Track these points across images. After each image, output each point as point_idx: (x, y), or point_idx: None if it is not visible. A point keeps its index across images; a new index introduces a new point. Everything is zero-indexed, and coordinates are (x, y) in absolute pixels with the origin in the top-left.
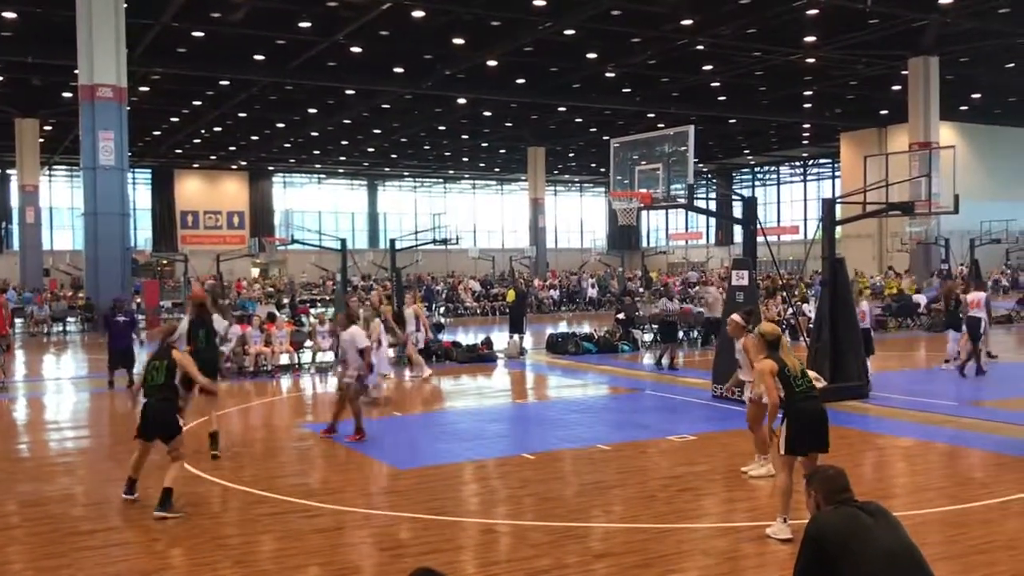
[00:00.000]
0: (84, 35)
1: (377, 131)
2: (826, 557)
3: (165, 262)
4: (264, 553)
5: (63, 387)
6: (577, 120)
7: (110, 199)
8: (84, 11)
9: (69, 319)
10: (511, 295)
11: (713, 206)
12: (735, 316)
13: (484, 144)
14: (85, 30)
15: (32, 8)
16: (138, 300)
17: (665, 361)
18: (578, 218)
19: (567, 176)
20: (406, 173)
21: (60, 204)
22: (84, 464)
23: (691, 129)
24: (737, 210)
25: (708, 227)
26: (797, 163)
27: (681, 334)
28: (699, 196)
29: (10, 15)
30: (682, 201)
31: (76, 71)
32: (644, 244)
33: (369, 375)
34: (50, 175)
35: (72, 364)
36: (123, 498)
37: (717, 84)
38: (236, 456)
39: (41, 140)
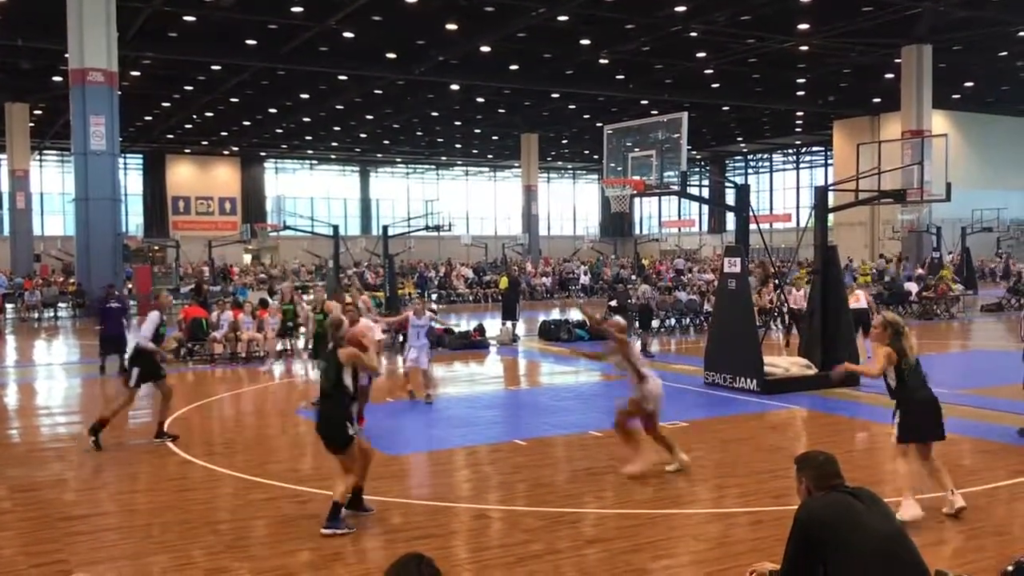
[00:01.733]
0: (74, 19)
1: (369, 117)
2: (816, 543)
3: (157, 248)
4: (256, 538)
5: (54, 372)
6: (570, 107)
7: (101, 184)
8: None
9: (60, 305)
10: (504, 282)
11: (706, 193)
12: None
13: (477, 131)
14: (75, 14)
15: None
16: (130, 286)
17: (654, 349)
18: (571, 205)
19: (560, 163)
20: (398, 159)
21: (51, 189)
22: (75, 449)
23: (684, 116)
24: (730, 197)
25: (701, 215)
26: (790, 151)
27: (657, 322)
28: (692, 183)
29: None
30: (675, 188)
31: (66, 55)
32: (637, 231)
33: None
34: (40, 160)
35: (63, 349)
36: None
37: (711, 71)
38: (228, 442)
39: (31, 125)
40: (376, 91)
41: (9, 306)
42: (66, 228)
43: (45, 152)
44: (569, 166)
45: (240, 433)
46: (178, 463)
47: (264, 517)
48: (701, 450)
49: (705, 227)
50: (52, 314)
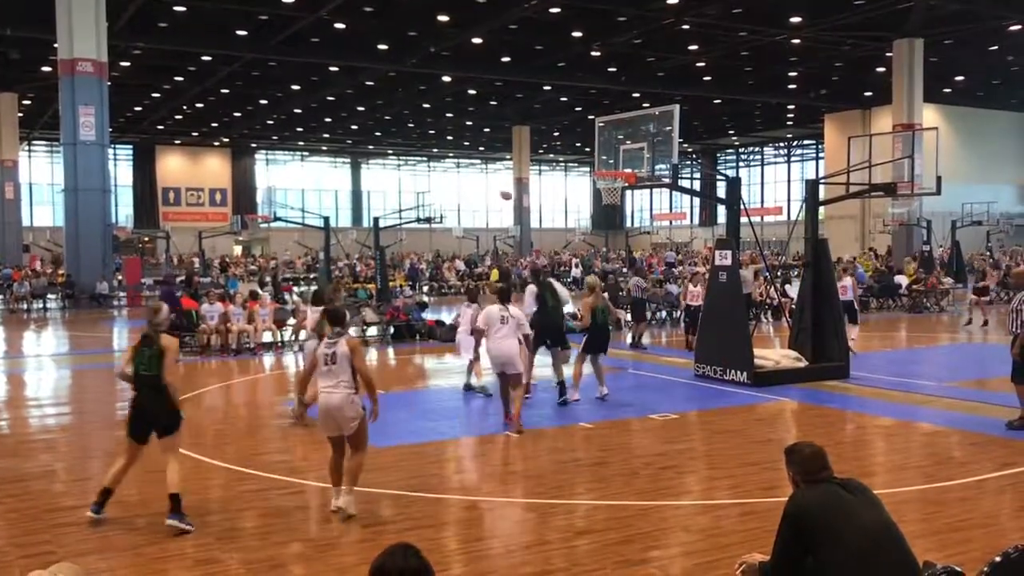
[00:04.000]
0: (63, 8)
1: (361, 108)
2: (806, 534)
3: (147, 239)
4: (247, 529)
5: (43, 364)
6: (562, 99)
7: (91, 175)
8: None
9: (49, 296)
10: (495, 274)
11: (697, 186)
12: None
13: (468, 123)
14: (64, 3)
15: None
16: (119, 277)
17: (645, 340)
18: (562, 198)
19: (552, 155)
20: (390, 151)
21: (40, 180)
22: (65, 441)
23: (676, 109)
24: (721, 190)
25: (692, 207)
26: (781, 144)
27: (649, 314)
28: (683, 176)
29: None
30: (667, 181)
31: (56, 45)
32: (628, 224)
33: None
34: (29, 150)
35: (53, 341)
36: (90, 516)
37: (703, 64)
38: (219, 433)
39: (20, 115)
40: (367, 83)
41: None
42: (55, 219)
43: (34, 142)
44: (561, 159)
45: (230, 425)
46: None
47: (254, 508)
48: (692, 442)
49: (697, 220)
50: (41, 305)
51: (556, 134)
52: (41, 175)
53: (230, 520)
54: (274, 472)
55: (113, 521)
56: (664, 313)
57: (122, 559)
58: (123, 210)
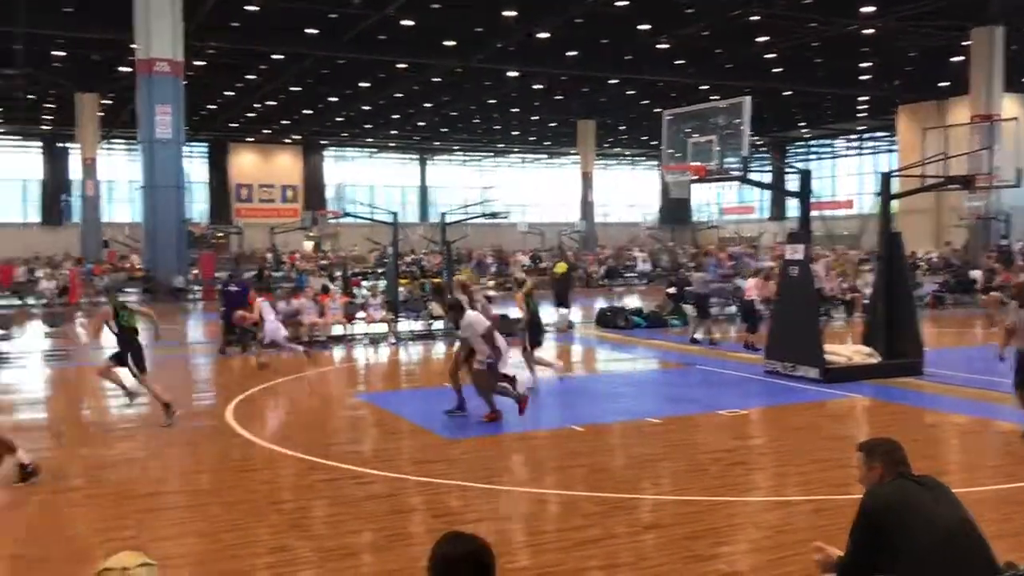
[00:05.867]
0: (141, 10)
1: (428, 105)
2: (881, 530)
3: (220, 234)
4: (319, 518)
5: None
6: (629, 92)
7: (167, 172)
8: None
9: (128, 289)
10: (562, 267)
11: (767, 179)
12: None
13: (534, 117)
14: (142, 5)
15: None
16: (195, 271)
17: (699, 336)
18: (629, 192)
19: (618, 149)
20: (456, 147)
21: (118, 177)
22: (143, 430)
23: (747, 101)
24: (792, 183)
25: (761, 201)
26: (853, 136)
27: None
28: (753, 169)
29: None
30: (736, 174)
31: (134, 46)
32: (695, 218)
33: (499, 359)
34: (108, 148)
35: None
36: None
37: (772, 55)
38: (291, 423)
39: (100, 114)
40: (434, 79)
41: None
42: (133, 215)
43: (113, 141)
44: (627, 152)
45: (302, 415)
46: (241, 444)
47: (327, 498)
48: (761, 438)
49: (766, 213)
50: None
51: (622, 128)
52: (119, 172)
53: (303, 509)
54: (345, 462)
55: (191, 507)
56: (732, 308)
57: (200, 545)
58: (198, 206)
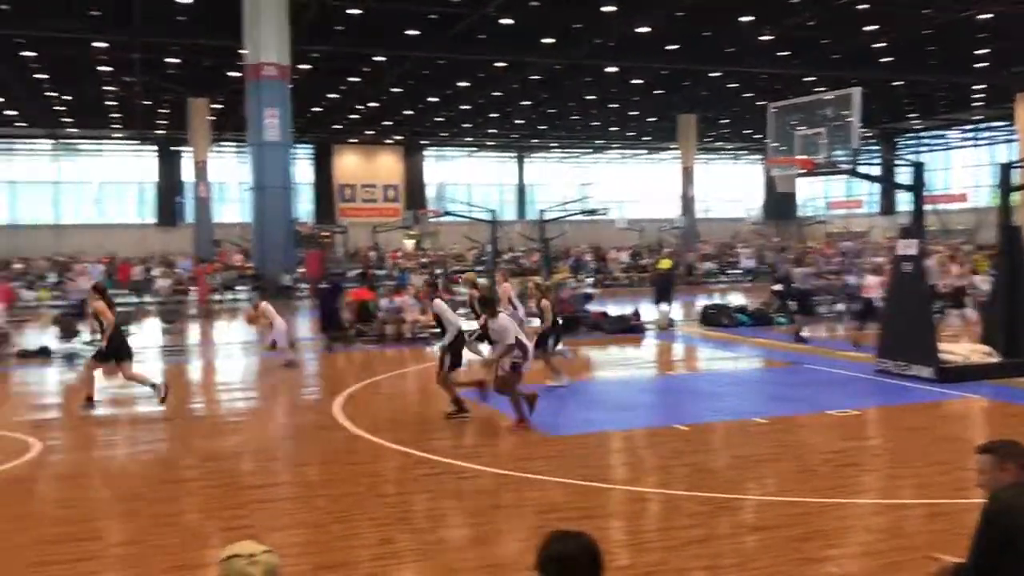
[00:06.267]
0: (250, 17)
1: (526, 103)
2: (1009, 536)
3: (326, 234)
4: (423, 512)
5: (233, 351)
6: (730, 86)
7: (275, 174)
8: None
9: (238, 287)
10: (666, 263)
11: (875, 172)
12: None
13: (633, 113)
14: (251, 12)
15: None
16: (302, 269)
17: (805, 333)
18: (731, 187)
19: (719, 143)
20: (554, 144)
21: (228, 179)
22: (252, 423)
23: (857, 92)
24: (904, 176)
25: (870, 195)
26: (967, 127)
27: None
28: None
29: (186, 0)
30: (845, 167)
31: (242, 51)
32: (801, 213)
33: (526, 362)
34: (219, 151)
35: (241, 330)
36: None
37: (881, 45)
38: (394, 418)
39: (211, 118)
40: (533, 77)
41: (192, 288)
42: (243, 215)
43: (223, 143)
44: (729, 147)
45: (406, 410)
46: (347, 437)
47: (430, 492)
48: (873, 439)
49: (875, 208)
50: (232, 296)
51: (724, 121)
52: (229, 174)
53: (408, 502)
54: (448, 457)
55: (300, 498)
56: (841, 306)
57: (309, 535)
58: (304, 206)
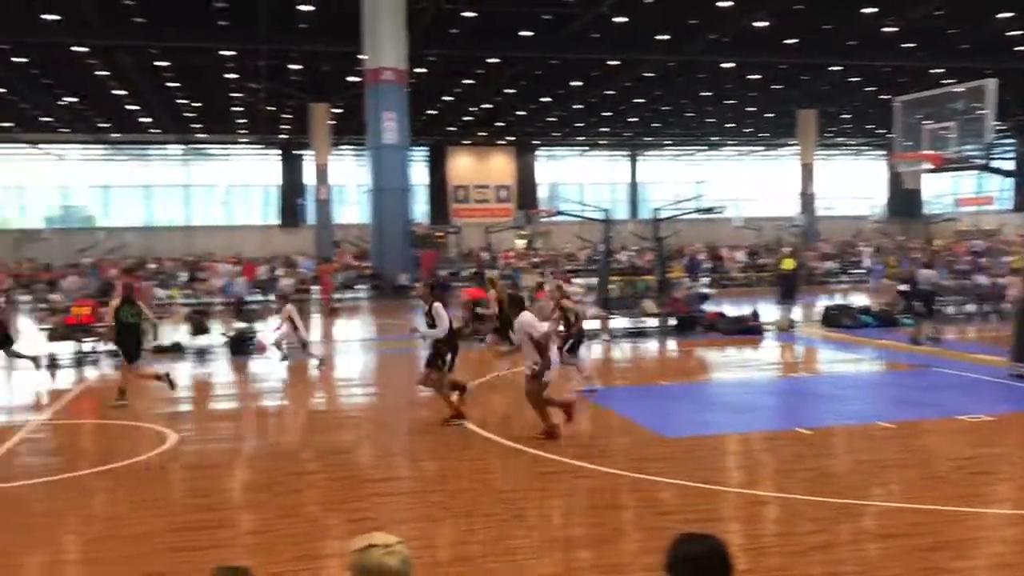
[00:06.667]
0: (369, 23)
1: (639, 100)
2: None
3: (440, 234)
4: (540, 510)
5: (352, 348)
6: (852, 79)
7: (393, 176)
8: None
9: (357, 286)
10: (789, 263)
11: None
12: None
13: (750, 109)
14: (370, 18)
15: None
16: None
17: (930, 335)
18: (852, 184)
19: (841, 139)
20: (668, 141)
21: (347, 181)
22: (370, 418)
23: (991, 84)
24: None
25: (1002, 191)
26: None
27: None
28: (994, 156)
29: (306, 8)
30: (978, 162)
31: (361, 56)
32: (927, 211)
33: (547, 370)
34: (339, 155)
35: (361, 327)
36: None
37: (1016, 33)
38: (512, 416)
39: (331, 122)
40: (646, 74)
41: (314, 287)
42: (360, 216)
43: (342, 147)
44: (851, 142)
45: (522, 408)
46: (465, 434)
47: (546, 490)
48: (1008, 446)
49: (1007, 204)
50: (351, 295)
51: (845, 116)
52: (348, 177)
53: (524, 500)
54: (565, 456)
55: (419, 493)
56: (973, 307)
57: (429, 529)
58: (419, 207)
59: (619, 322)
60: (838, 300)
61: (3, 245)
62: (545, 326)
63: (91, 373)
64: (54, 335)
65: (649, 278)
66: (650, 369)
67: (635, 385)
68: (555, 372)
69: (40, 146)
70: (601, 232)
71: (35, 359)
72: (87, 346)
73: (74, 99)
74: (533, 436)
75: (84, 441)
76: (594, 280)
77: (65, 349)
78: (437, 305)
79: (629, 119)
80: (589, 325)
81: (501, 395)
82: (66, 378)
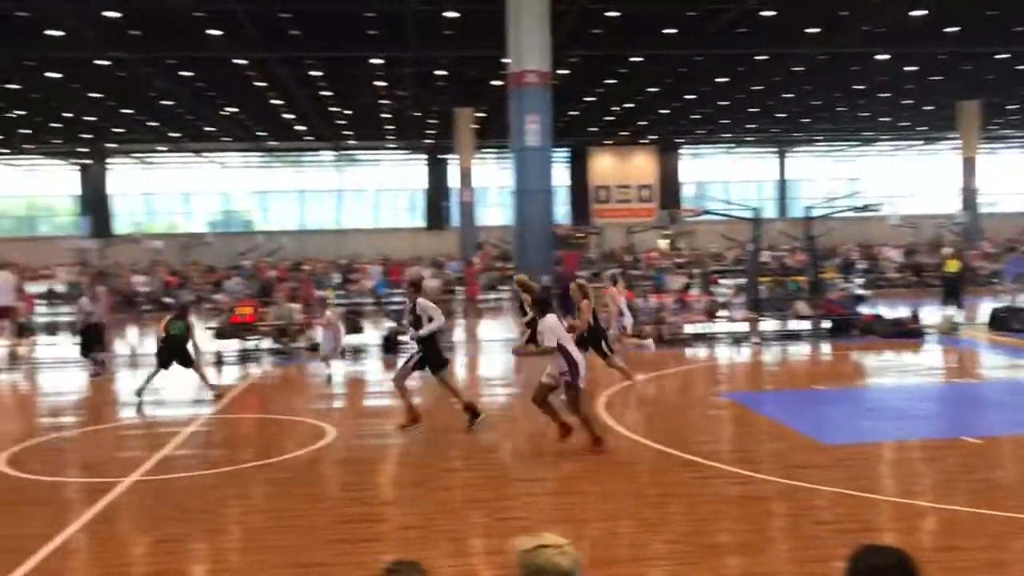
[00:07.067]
0: (513, 27)
1: (788, 95)
2: None
3: (581, 235)
4: (690, 516)
5: (494, 348)
6: (1020, 68)
7: (536, 178)
8: (514, 2)
9: (500, 287)
10: (953, 265)
11: None
12: None
13: (906, 102)
14: (514, 22)
15: (470, 6)
16: (559, 270)
17: None
18: (1020, 179)
19: (1007, 131)
20: (818, 137)
21: (488, 184)
22: (513, 417)
23: None
24: None
25: None
26: None
27: None
28: None
29: (452, 15)
30: None
31: (504, 60)
32: None
33: (577, 375)
34: (481, 158)
35: (503, 327)
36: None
37: None
38: (660, 419)
39: (474, 126)
40: (795, 69)
41: (459, 288)
42: (502, 218)
43: (485, 150)
44: (1018, 134)
45: (670, 412)
46: (613, 437)
47: (698, 495)
48: None
49: None
50: (494, 296)
51: (1012, 107)
52: (489, 179)
53: (676, 504)
54: (717, 461)
55: (566, 494)
56: None
57: (576, 531)
58: (560, 208)
59: (769, 324)
60: (1006, 302)
61: (171, 249)
62: (565, 332)
63: (254, 370)
64: (220, 334)
65: (800, 279)
66: (803, 373)
67: (788, 390)
68: (586, 375)
69: (204, 155)
70: (749, 231)
71: (101, 363)
72: (250, 344)
73: (235, 109)
74: (587, 451)
75: (248, 435)
76: (742, 281)
77: (230, 347)
78: (422, 300)
79: (777, 115)
80: (736, 327)
81: (650, 399)
82: (231, 375)
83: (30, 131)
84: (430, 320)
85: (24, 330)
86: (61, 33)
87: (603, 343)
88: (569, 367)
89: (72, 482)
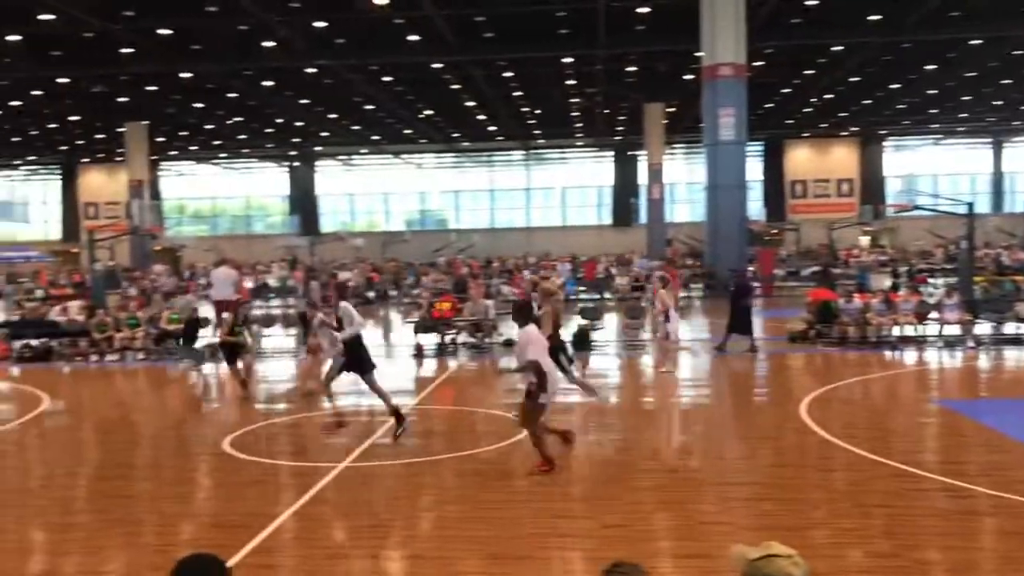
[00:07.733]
0: (707, 19)
1: (1006, 81)
2: None
3: (776, 231)
4: (908, 528)
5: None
6: None
7: (730, 172)
8: None
9: (691, 285)
10: None
11: None
12: None
13: None
14: (708, 14)
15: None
16: (753, 268)
17: None
18: None
19: None
20: None
21: (677, 180)
22: (717, 420)
23: None
24: None
25: None
26: None
27: None
28: None
29: (643, 10)
30: None
31: (697, 54)
32: None
33: (544, 393)
34: (670, 153)
35: (693, 327)
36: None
37: None
38: (867, 426)
39: (664, 122)
40: (1016, 51)
41: (648, 284)
42: (692, 214)
43: (673, 145)
44: None
45: (878, 418)
46: (819, 442)
47: (914, 507)
48: None
49: None
50: (684, 294)
51: None
52: (679, 175)
53: (890, 516)
54: (933, 472)
55: (774, 500)
56: None
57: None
58: (753, 204)
59: (986, 327)
60: None
61: (372, 245)
62: (542, 343)
63: (452, 363)
64: (419, 327)
65: (1018, 278)
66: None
67: (1009, 398)
68: (554, 395)
69: (402, 156)
70: (961, 228)
71: (200, 356)
72: (448, 338)
73: (431, 112)
74: (531, 472)
75: (447, 426)
76: (953, 280)
77: (430, 340)
78: (343, 304)
79: (993, 102)
80: (948, 330)
81: (856, 404)
82: (430, 367)
83: (246, 136)
84: (351, 323)
85: (247, 322)
86: (274, 44)
87: (562, 356)
88: (538, 380)
89: (288, 465)
